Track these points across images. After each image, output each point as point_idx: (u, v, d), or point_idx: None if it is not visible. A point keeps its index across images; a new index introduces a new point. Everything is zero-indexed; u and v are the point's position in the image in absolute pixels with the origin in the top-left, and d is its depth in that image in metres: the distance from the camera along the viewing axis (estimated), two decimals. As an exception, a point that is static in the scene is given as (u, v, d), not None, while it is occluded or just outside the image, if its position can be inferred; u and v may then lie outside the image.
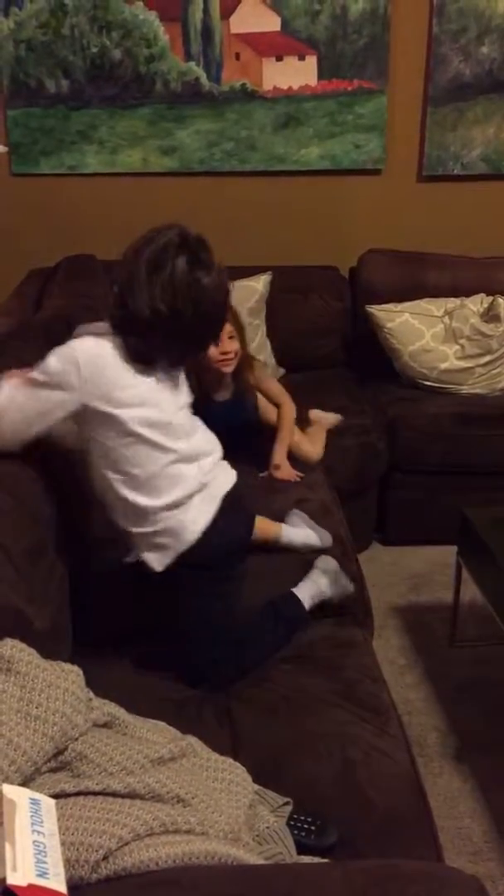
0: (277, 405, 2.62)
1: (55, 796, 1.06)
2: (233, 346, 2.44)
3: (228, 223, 3.50)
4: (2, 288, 3.27)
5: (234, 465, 1.90)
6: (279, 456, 2.55)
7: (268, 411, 2.63)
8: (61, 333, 2.51)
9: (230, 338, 2.42)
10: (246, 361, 2.53)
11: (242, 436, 2.40)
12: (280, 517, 2.24)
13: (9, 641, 1.24)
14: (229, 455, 1.90)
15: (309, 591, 1.96)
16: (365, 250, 3.41)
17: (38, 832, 0.63)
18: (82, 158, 3.46)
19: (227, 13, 3.27)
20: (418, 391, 3.18)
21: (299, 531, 2.18)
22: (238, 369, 2.51)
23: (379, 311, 3.19)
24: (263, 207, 3.50)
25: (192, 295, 1.65)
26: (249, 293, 3.23)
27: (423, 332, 3.14)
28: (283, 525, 2.19)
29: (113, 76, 3.36)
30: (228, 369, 2.47)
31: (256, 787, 1.38)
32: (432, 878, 1.13)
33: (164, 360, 1.71)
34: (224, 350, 2.42)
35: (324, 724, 1.60)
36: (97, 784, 1.10)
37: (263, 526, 2.11)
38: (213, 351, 2.39)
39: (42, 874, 0.61)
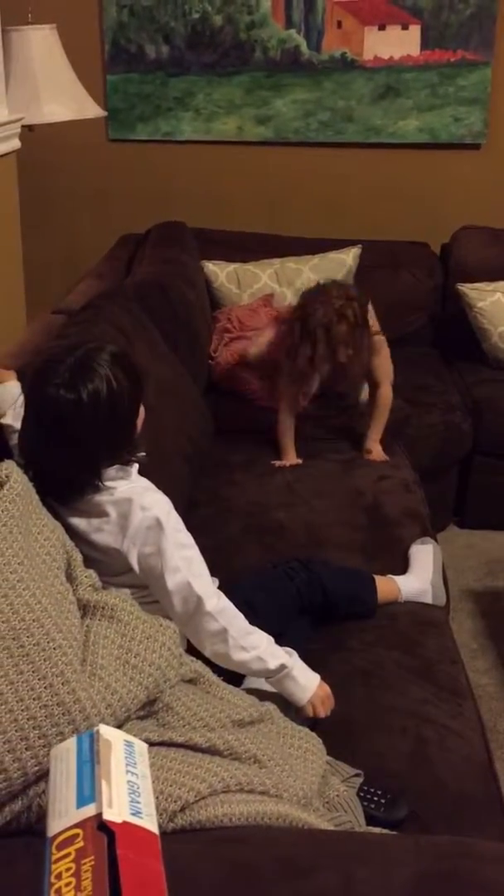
0: (376, 384, 2.55)
1: (139, 744, 1.09)
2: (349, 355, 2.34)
3: (320, 194, 3.46)
4: (95, 251, 3.32)
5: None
6: (373, 440, 2.53)
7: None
8: (154, 298, 2.55)
9: (348, 354, 2.33)
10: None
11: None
12: (361, 491, 2.22)
13: (114, 591, 1.27)
14: None
15: (410, 584, 1.95)
16: (458, 227, 3.33)
17: (132, 773, 0.65)
18: (178, 125, 3.46)
19: (331, -20, 3.22)
20: (506, 373, 3.11)
21: (414, 588, 1.97)
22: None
23: (470, 290, 3.12)
24: (357, 180, 3.45)
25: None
26: (338, 266, 3.20)
27: (515, 313, 3.06)
28: (401, 587, 1.97)
29: (213, 43, 3.34)
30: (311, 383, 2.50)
31: (328, 757, 1.39)
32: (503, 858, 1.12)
33: None
34: (338, 362, 2.34)
35: (400, 700, 1.60)
36: (180, 736, 1.12)
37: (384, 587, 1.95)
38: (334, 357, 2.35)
39: (136, 813, 0.62)
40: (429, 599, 1.96)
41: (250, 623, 1.52)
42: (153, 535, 1.45)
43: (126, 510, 1.46)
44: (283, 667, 1.49)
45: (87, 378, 1.42)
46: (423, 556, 2.05)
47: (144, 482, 1.54)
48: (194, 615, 1.45)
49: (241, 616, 1.51)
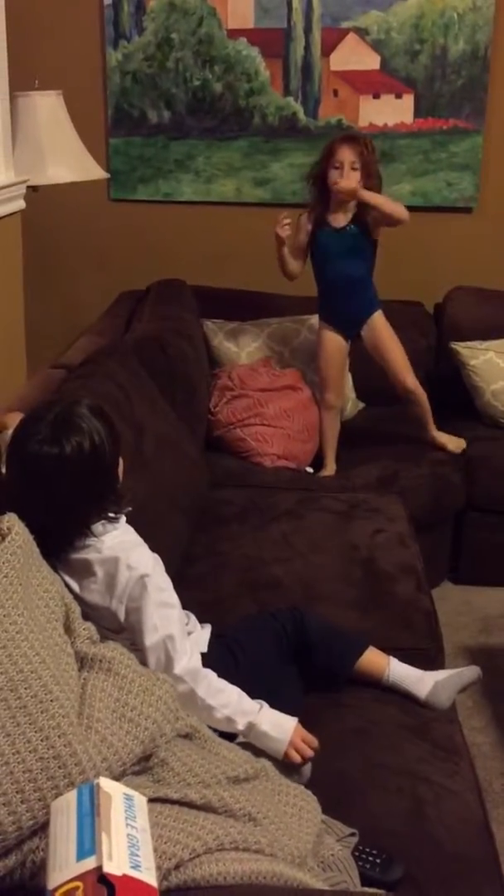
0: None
1: (133, 801, 1.09)
2: (353, 176, 2.68)
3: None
4: (95, 308, 3.37)
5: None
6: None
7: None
8: (152, 354, 2.60)
9: (353, 168, 2.67)
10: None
11: (356, 272, 2.79)
12: (356, 545, 2.23)
13: (111, 644, 1.27)
14: None
15: (404, 668, 1.80)
16: (451, 287, 3.40)
17: (132, 826, 0.65)
18: (178, 186, 3.56)
19: (327, 51, 3.34)
20: (499, 431, 3.15)
21: (408, 675, 1.81)
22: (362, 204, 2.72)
23: (463, 348, 3.17)
24: (352, 241, 3.52)
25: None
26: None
27: (508, 371, 3.11)
28: (391, 666, 1.83)
29: (213, 109, 3.46)
30: (339, 197, 2.73)
31: (323, 816, 1.38)
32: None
33: None
34: (336, 180, 2.68)
35: (396, 758, 1.59)
36: (175, 792, 1.12)
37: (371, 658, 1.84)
38: (333, 174, 2.70)
39: (135, 866, 0.63)
40: (422, 693, 1.77)
41: (239, 667, 1.52)
42: (137, 593, 1.48)
43: (112, 569, 1.48)
44: (251, 725, 1.49)
45: (69, 433, 1.45)
46: (455, 670, 1.87)
47: (132, 537, 1.55)
48: (165, 675, 1.46)
49: (211, 674, 1.52)
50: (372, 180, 2.74)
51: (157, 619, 1.47)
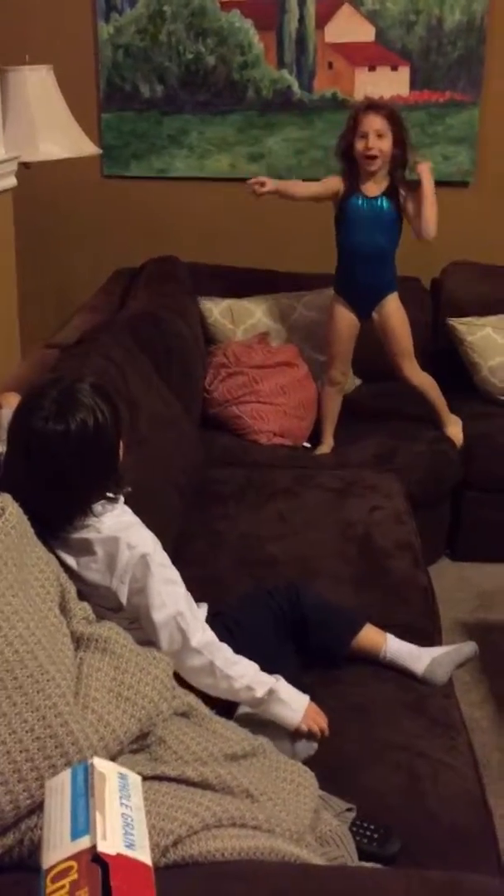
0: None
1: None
2: (378, 144, 2.61)
3: (313, 231, 3.50)
4: (89, 285, 3.35)
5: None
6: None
7: (411, 219, 2.77)
8: (147, 331, 2.58)
9: (378, 136, 2.60)
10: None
11: (382, 243, 2.74)
12: (353, 522, 2.23)
13: (107, 623, 1.27)
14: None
15: (401, 645, 1.81)
16: (448, 262, 3.38)
17: (126, 805, 0.65)
18: (171, 162, 3.52)
19: (322, 22, 3.29)
20: (496, 407, 3.14)
21: (404, 650, 1.82)
22: (393, 171, 2.69)
23: (460, 324, 3.16)
24: (348, 216, 3.49)
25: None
26: (326, 301, 3.23)
27: (505, 347, 3.10)
28: (388, 642, 1.83)
29: (206, 83, 3.41)
30: (371, 167, 2.66)
31: (321, 791, 1.39)
32: (496, 893, 1.12)
33: None
34: (367, 147, 2.61)
35: (393, 734, 1.59)
36: (173, 770, 1.12)
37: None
38: (359, 145, 2.64)
39: (130, 845, 0.63)
40: (419, 669, 1.77)
41: (237, 645, 1.53)
42: (140, 573, 1.47)
43: (113, 549, 1.47)
44: (271, 691, 1.50)
45: (73, 409, 1.44)
46: (453, 646, 1.88)
47: (130, 517, 1.55)
48: (181, 650, 1.47)
49: (225, 647, 1.52)
50: (402, 149, 2.67)
51: (164, 597, 1.47)
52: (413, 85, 3.33)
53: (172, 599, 1.48)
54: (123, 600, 1.48)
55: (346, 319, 2.87)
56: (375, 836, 1.39)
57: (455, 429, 2.97)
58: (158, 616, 1.46)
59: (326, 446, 2.92)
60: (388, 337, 2.86)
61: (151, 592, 1.46)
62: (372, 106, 2.68)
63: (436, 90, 3.34)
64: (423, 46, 3.29)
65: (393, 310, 2.85)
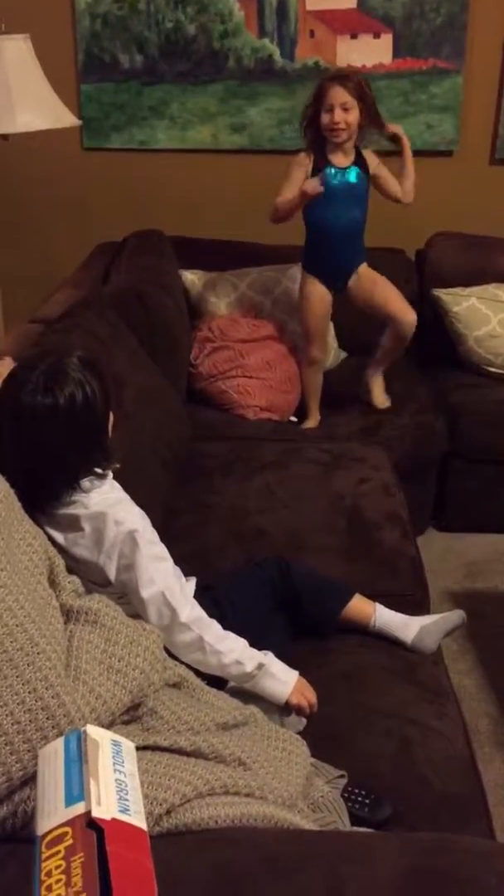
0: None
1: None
2: (344, 117, 2.55)
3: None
4: (71, 260, 3.31)
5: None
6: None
7: (388, 183, 2.75)
8: (130, 306, 2.56)
9: (344, 109, 2.55)
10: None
11: (357, 216, 2.70)
12: (342, 494, 2.23)
13: (96, 596, 1.27)
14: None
15: (389, 614, 1.82)
16: (433, 233, 3.36)
17: (120, 771, 0.65)
18: (153, 134, 3.47)
19: (303, -11, 3.25)
20: (482, 378, 3.14)
21: (393, 620, 1.83)
22: (360, 141, 2.65)
23: (445, 295, 3.15)
24: (331, 187, 3.46)
25: None
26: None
27: (490, 317, 3.09)
28: (377, 612, 1.84)
29: (186, 52, 3.36)
30: (338, 139, 2.60)
31: (312, 759, 1.40)
32: (487, 852, 1.13)
33: None
34: (333, 121, 2.55)
35: (383, 701, 1.61)
36: (165, 740, 1.12)
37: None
38: (325, 118, 2.57)
39: (124, 810, 0.63)
40: (408, 637, 1.79)
41: (227, 619, 1.53)
42: (128, 549, 1.47)
43: (100, 525, 1.47)
44: (260, 665, 1.50)
45: (62, 383, 1.43)
46: (441, 615, 1.88)
47: (118, 493, 1.54)
48: (169, 626, 1.47)
49: (214, 623, 1.53)
50: (370, 119, 2.62)
51: (152, 572, 1.47)
52: (396, 53, 3.30)
53: (161, 576, 1.48)
54: (111, 576, 1.48)
55: (318, 295, 2.82)
56: (367, 801, 1.40)
57: (379, 390, 2.94)
58: (146, 592, 1.46)
59: (313, 420, 2.91)
60: (378, 293, 2.80)
61: (139, 569, 1.46)
62: (337, 77, 2.61)
63: (419, 58, 3.30)
64: (406, 13, 3.25)
65: (366, 273, 2.82)
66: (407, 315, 2.81)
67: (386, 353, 2.90)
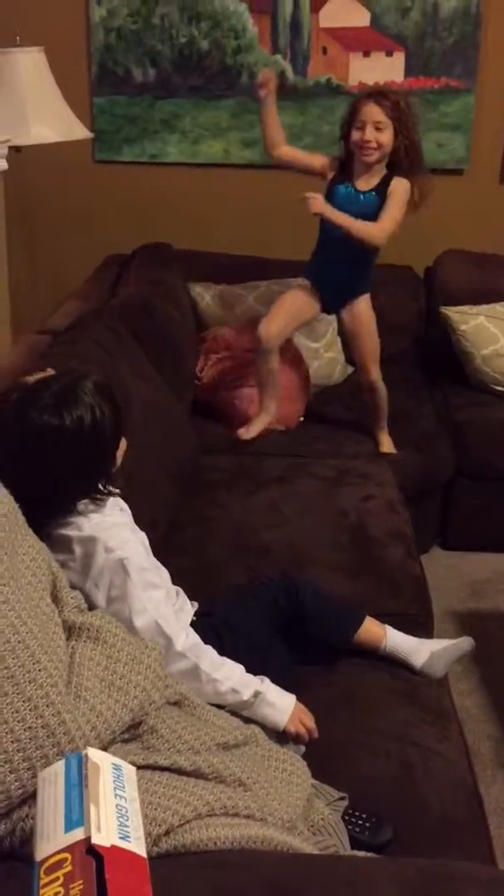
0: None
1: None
2: (376, 136, 2.46)
3: (306, 217, 3.49)
4: (80, 271, 3.33)
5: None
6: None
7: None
8: (139, 318, 2.56)
9: (377, 128, 2.46)
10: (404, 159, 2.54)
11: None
12: (346, 511, 2.22)
13: (98, 612, 1.26)
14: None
15: (401, 638, 1.79)
16: (442, 251, 3.37)
17: (121, 796, 0.65)
18: (164, 147, 3.49)
19: (317, 7, 3.26)
20: (489, 396, 3.14)
21: (404, 644, 1.81)
22: (391, 167, 2.55)
23: (453, 313, 3.15)
24: (341, 203, 3.47)
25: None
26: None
27: (498, 336, 3.09)
28: (388, 635, 1.82)
29: (199, 67, 3.38)
30: (368, 159, 2.51)
31: (313, 780, 1.39)
32: (488, 880, 1.12)
33: None
34: (363, 139, 2.47)
35: (385, 722, 1.59)
36: (165, 759, 1.11)
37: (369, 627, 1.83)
38: (355, 135, 2.50)
39: (124, 837, 0.62)
40: (417, 663, 1.77)
41: (222, 645, 1.51)
42: (119, 579, 1.45)
43: (90, 549, 1.45)
44: (257, 693, 1.48)
45: (72, 405, 1.43)
46: (452, 641, 1.88)
47: (115, 518, 1.52)
48: (165, 655, 1.44)
49: (210, 649, 1.51)
50: (403, 141, 2.50)
51: (144, 602, 1.44)
52: (408, 71, 3.31)
53: (153, 604, 1.46)
54: (101, 604, 1.45)
55: (304, 296, 2.70)
56: (367, 825, 1.39)
57: (387, 441, 2.83)
58: (140, 621, 1.44)
59: (267, 414, 2.76)
60: (359, 340, 2.73)
61: (132, 598, 1.44)
62: (374, 95, 2.51)
63: (431, 76, 3.32)
64: (419, 32, 3.26)
65: (364, 310, 2.71)
66: (366, 375, 2.74)
67: (372, 411, 2.81)
